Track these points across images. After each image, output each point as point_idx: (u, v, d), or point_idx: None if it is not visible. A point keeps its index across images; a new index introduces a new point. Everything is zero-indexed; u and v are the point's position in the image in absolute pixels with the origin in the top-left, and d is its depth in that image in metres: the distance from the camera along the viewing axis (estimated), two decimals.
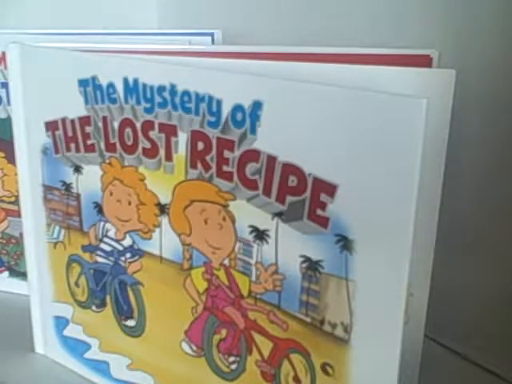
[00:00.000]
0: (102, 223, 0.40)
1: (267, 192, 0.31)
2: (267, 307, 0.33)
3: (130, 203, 0.38)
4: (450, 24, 0.43)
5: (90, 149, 0.38)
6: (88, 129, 0.38)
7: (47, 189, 0.42)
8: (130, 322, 0.40)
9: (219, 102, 0.32)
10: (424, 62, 0.35)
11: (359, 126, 0.27)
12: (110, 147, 0.37)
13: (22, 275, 0.51)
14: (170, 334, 0.38)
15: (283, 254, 0.32)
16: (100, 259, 0.41)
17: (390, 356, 0.29)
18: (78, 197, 0.40)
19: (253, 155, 0.31)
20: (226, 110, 0.31)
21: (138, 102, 0.35)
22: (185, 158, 0.34)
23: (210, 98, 0.32)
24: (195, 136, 0.33)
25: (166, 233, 0.36)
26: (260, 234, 0.32)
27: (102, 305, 0.42)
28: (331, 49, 0.37)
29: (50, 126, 0.40)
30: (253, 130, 0.31)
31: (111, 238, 0.40)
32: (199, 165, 0.33)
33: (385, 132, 0.26)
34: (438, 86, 0.31)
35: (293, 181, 0.30)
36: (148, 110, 0.35)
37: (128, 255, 0.39)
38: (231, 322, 0.35)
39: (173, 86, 0.33)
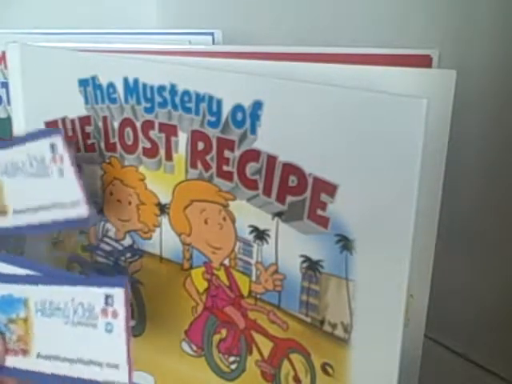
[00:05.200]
0: (102, 223, 0.40)
1: (267, 192, 0.31)
2: (267, 307, 0.33)
3: (130, 203, 0.38)
4: (450, 24, 0.43)
5: (90, 148, 0.38)
6: (88, 128, 0.38)
7: None
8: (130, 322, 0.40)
9: (219, 102, 0.32)
10: (424, 61, 0.35)
11: (359, 125, 0.27)
12: (110, 147, 0.37)
13: None
14: (170, 334, 0.38)
15: (283, 254, 0.32)
16: (100, 259, 0.41)
17: (389, 356, 0.29)
18: None
19: (253, 155, 0.31)
20: (226, 110, 0.31)
21: (138, 102, 0.35)
22: (185, 157, 0.34)
23: (210, 98, 0.32)
24: (195, 136, 0.33)
25: (166, 233, 0.36)
26: (260, 234, 0.32)
27: None
28: (331, 49, 0.37)
29: (50, 126, 0.40)
30: (253, 130, 0.31)
31: (111, 238, 0.40)
32: (199, 165, 0.33)
33: (385, 132, 0.26)
34: (439, 87, 0.31)
35: (293, 181, 0.30)
36: (148, 110, 0.35)
37: (128, 255, 0.39)
38: (231, 322, 0.35)
39: (173, 86, 0.33)
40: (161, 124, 0.34)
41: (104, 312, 0.30)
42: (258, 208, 0.32)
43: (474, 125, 0.43)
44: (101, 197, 0.39)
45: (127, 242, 0.39)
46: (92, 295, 0.30)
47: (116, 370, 0.31)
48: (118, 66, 0.35)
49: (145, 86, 0.34)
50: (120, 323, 0.30)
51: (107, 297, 0.30)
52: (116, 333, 0.30)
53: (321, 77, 0.29)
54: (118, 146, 0.37)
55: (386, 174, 0.27)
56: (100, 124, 0.37)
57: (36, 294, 0.31)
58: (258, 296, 0.33)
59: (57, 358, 0.31)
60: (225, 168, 0.32)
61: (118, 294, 0.30)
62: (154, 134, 0.35)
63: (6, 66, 0.46)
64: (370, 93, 0.27)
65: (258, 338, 0.34)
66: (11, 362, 0.32)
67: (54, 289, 0.31)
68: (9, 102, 0.49)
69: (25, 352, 0.32)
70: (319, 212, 0.29)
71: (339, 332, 0.30)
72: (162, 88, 0.33)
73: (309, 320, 0.32)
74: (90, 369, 0.31)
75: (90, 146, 0.38)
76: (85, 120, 0.38)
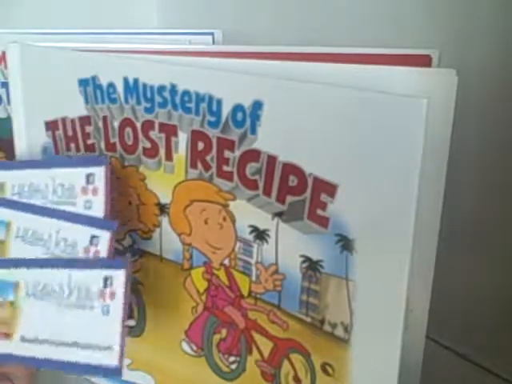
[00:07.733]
0: None
1: (267, 192, 0.31)
2: (267, 307, 0.33)
3: (130, 203, 0.38)
4: (450, 24, 0.43)
5: (90, 148, 0.38)
6: (88, 128, 0.38)
7: None
8: (130, 322, 0.40)
9: (219, 102, 0.32)
10: (424, 62, 0.35)
11: (359, 125, 0.27)
12: (110, 147, 0.37)
13: None
14: (169, 334, 0.38)
15: (283, 254, 0.32)
16: None
17: (390, 356, 0.29)
18: None
19: (253, 155, 0.31)
20: (226, 110, 0.31)
21: (139, 102, 0.35)
22: (185, 157, 0.34)
23: (211, 98, 0.32)
24: (195, 136, 0.33)
25: (166, 233, 0.36)
26: (260, 234, 0.32)
27: None
28: (331, 49, 0.37)
29: (50, 126, 0.40)
30: (253, 130, 0.31)
31: None
32: (199, 165, 0.33)
33: (385, 132, 0.26)
34: (439, 86, 0.31)
35: (293, 181, 0.30)
36: (148, 110, 0.35)
37: (128, 255, 0.39)
38: (231, 322, 0.35)
39: (173, 86, 0.33)
40: (161, 124, 0.34)
41: (102, 294, 0.29)
42: (258, 208, 0.32)
43: (474, 125, 0.43)
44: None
45: (127, 242, 0.39)
46: (90, 278, 0.29)
47: (108, 352, 0.30)
48: (118, 65, 0.35)
49: (145, 85, 0.34)
50: (118, 305, 0.29)
51: (106, 278, 0.29)
52: (112, 315, 0.29)
53: (321, 77, 0.29)
54: (118, 146, 0.37)
55: (386, 173, 0.27)
56: (100, 124, 0.37)
57: (28, 277, 0.30)
58: (258, 296, 0.33)
59: (44, 341, 0.30)
60: (225, 168, 0.32)
61: (119, 276, 0.29)
62: (154, 134, 0.35)
63: (6, 66, 0.46)
64: (370, 93, 0.27)
65: (258, 337, 0.34)
66: None
67: (49, 271, 0.30)
68: (9, 102, 0.48)
69: (6, 335, 0.31)
70: (319, 212, 0.29)
71: (339, 332, 0.30)
72: (162, 88, 0.33)
73: (309, 320, 0.32)
74: (79, 352, 0.30)
75: (90, 145, 0.38)
76: (85, 120, 0.38)
